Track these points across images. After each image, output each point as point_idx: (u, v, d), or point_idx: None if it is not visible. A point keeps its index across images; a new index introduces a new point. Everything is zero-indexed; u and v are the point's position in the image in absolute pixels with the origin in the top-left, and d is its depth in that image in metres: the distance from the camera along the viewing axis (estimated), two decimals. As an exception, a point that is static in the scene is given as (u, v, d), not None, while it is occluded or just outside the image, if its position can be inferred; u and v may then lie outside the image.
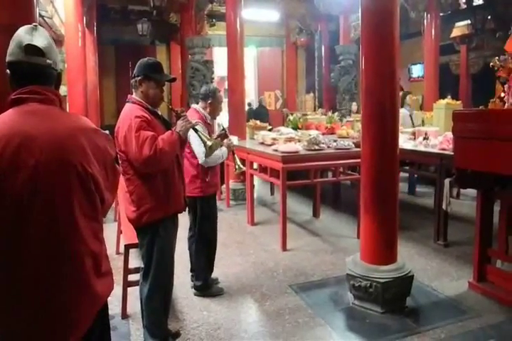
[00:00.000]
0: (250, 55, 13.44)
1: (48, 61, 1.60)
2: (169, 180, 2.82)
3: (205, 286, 3.85)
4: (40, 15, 7.54)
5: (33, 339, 1.52)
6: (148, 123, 2.70)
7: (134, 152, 2.61)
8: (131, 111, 2.73)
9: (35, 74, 1.59)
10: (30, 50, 1.56)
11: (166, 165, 2.76)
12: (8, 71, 1.60)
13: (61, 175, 1.52)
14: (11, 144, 1.46)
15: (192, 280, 3.96)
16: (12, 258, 1.46)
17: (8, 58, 1.58)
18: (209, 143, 3.04)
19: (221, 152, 3.64)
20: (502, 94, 4.14)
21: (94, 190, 1.61)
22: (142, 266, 3.01)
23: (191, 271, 3.99)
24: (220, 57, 11.47)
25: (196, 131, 3.06)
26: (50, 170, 1.50)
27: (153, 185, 2.75)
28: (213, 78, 8.31)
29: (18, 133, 1.48)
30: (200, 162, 3.63)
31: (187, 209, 3.18)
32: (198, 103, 3.97)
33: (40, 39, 1.59)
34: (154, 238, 2.82)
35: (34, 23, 1.64)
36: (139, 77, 2.78)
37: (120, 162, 2.74)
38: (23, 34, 1.59)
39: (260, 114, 11.92)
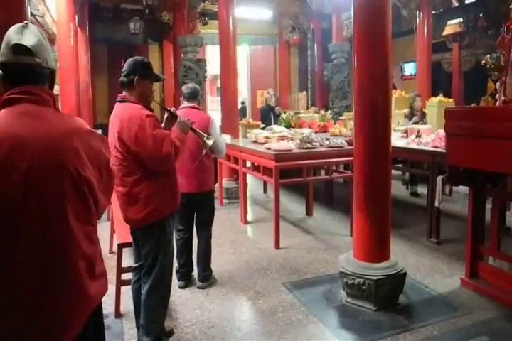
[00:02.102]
0: (243, 54, 13.39)
1: (37, 60, 1.57)
2: (172, 178, 2.88)
3: (210, 275, 4.02)
4: (32, 14, 7.48)
5: None
6: (158, 122, 2.75)
7: (150, 150, 2.62)
8: (136, 111, 2.70)
9: (26, 74, 1.57)
10: (18, 49, 1.54)
11: (175, 163, 2.83)
12: (0, 71, 1.57)
13: (54, 179, 1.50)
14: (2, 147, 1.43)
15: (180, 280, 3.96)
16: (5, 262, 1.45)
17: None
18: (209, 142, 3.12)
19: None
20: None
21: (88, 193, 1.59)
22: (135, 265, 3.02)
23: (182, 267, 3.97)
24: (212, 56, 11.43)
25: (194, 130, 3.10)
26: (42, 173, 1.48)
27: (161, 184, 2.79)
28: (206, 76, 8.29)
29: (10, 135, 1.46)
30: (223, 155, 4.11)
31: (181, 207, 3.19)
32: (184, 102, 4.00)
33: (29, 37, 1.57)
34: (161, 235, 2.84)
35: (25, 21, 1.61)
36: (136, 77, 2.74)
37: (125, 164, 2.71)
38: (12, 34, 1.57)
39: (266, 116, 9.11)
